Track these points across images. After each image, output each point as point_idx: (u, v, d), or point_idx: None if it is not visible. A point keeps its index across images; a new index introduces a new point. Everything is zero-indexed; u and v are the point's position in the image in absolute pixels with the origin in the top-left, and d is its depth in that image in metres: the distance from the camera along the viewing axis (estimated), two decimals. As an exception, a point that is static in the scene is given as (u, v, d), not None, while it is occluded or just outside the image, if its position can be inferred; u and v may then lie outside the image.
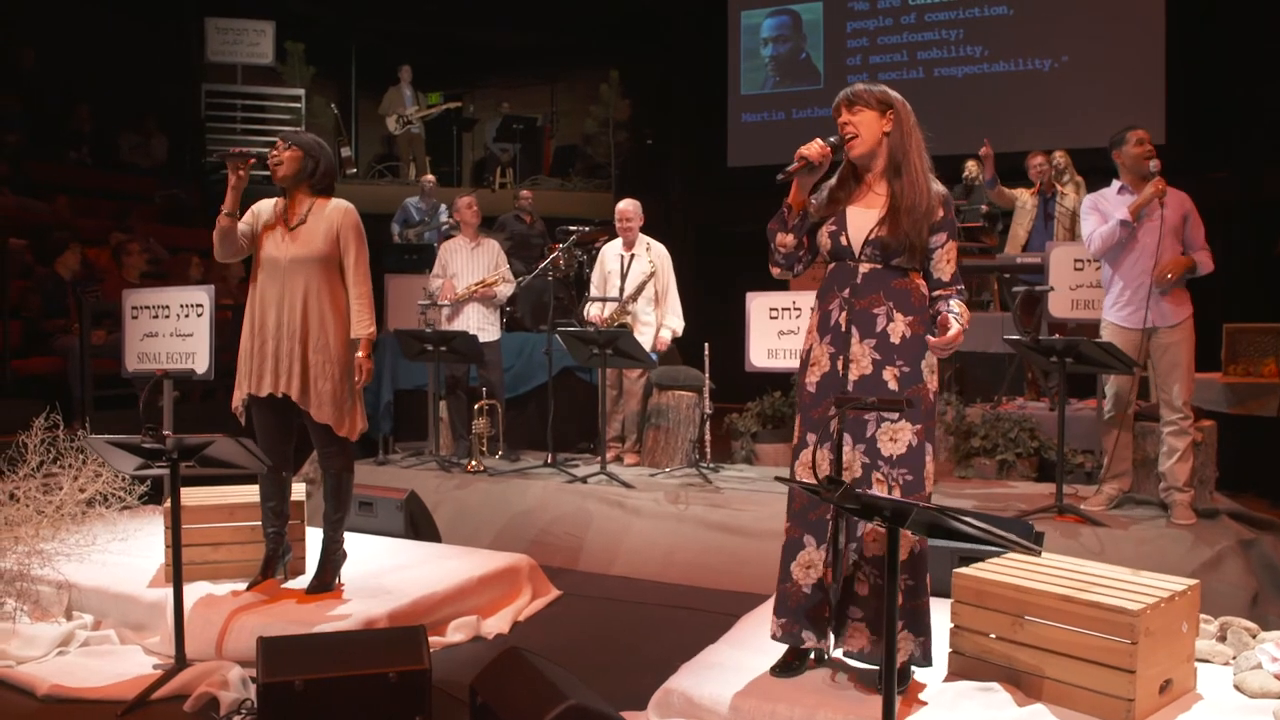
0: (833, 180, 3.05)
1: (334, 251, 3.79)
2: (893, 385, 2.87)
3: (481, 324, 6.24)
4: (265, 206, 3.91)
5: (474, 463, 5.89)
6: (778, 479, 2.37)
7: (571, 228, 6.60)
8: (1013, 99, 9.94)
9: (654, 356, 5.75)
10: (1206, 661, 3.13)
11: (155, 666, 3.46)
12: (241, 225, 3.84)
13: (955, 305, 2.90)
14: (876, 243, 2.90)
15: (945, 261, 2.94)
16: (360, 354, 3.76)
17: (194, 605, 3.62)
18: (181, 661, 3.34)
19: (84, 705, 3.22)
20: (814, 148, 2.91)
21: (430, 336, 5.89)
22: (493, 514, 5.46)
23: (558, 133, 12.73)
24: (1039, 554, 2.54)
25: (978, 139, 9.73)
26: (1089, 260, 5.99)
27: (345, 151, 10.85)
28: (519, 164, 11.42)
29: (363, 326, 3.78)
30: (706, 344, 5.90)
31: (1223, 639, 3.25)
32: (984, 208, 7.98)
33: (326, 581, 3.86)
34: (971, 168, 8.56)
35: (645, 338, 5.89)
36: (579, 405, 7.09)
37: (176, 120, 10.10)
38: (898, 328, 2.89)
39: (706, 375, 5.88)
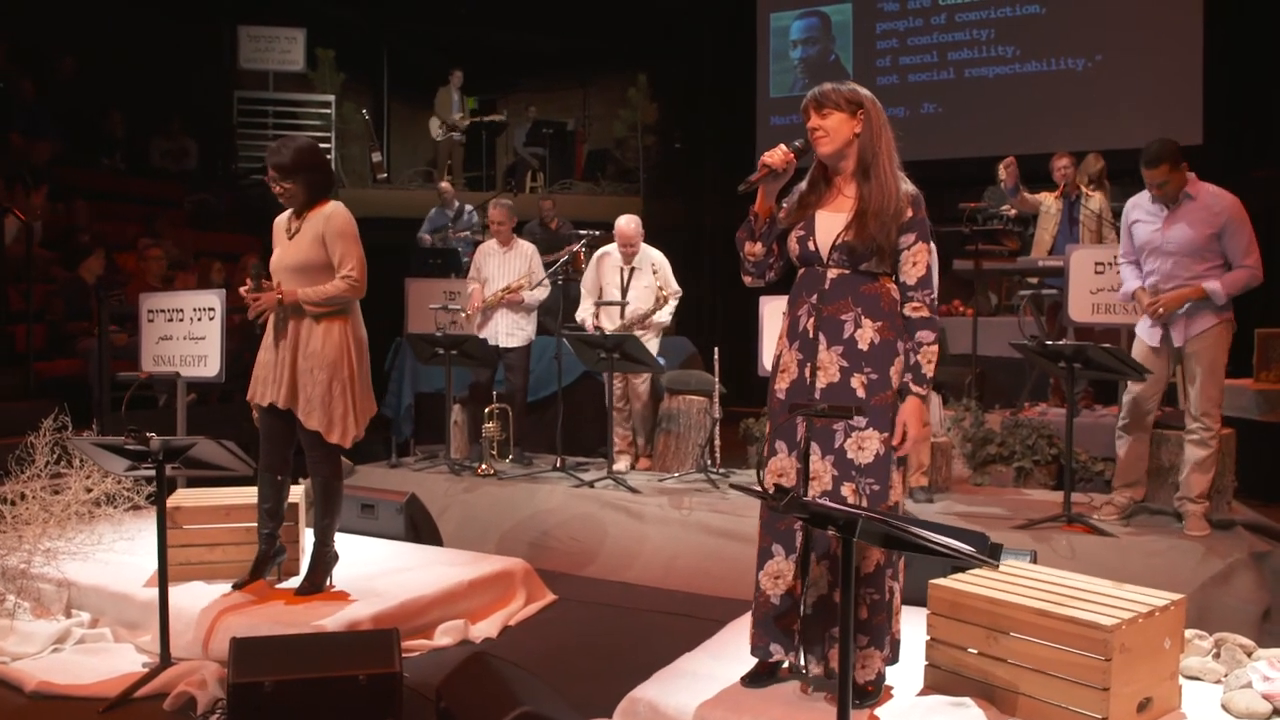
0: (803, 184, 3.00)
1: (322, 256, 3.77)
2: (861, 393, 2.81)
3: (510, 329, 6.18)
4: (279, 221, 3.96)
5: (484, 466, 5.91)
6: (733, 486, 2.33)
7: (581, 231, 6.59)
8: (1045, 99, 9.73)
9: (661, 361, 5.71)
10: (1197, 679, 3.02)
11: (144, 665, 3.51)
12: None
13: (919, 358, 2.82)
14: (844, 247, 2.84)
15: (911, 264, 2.86)
16: (279, 293, 3.69)
17: (183, 605, 3.66)
18: (166, 660, 3.39)
19: (69, 702, 3.27)
20: (777, 154, 2.85)
21: (441, 340, 5.92)
22: (498, 518, 5.47)
23: (590, 136, 12.75)
24: (996, 567, 2.48)
25: (1010, 140, 9.59)
26: (1110, 263, 5.85)
27: (376, 157, 10.96)
28: (549, 168, 11.45)
29: (311, 292, 3.70)
30: (716, 348, 5.86)
31: (1217, 656, 3.14)
32: (1011, 211, 7.83)
33: (317, 583, 3.89)
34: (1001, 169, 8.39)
35: (654, 345, 5.82)
36: (600, 409, 7.08)
37: (209, 127, 10.30)
38: (865, 334, 2.83)
39: (716, 379, 5.84)
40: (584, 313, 6.02)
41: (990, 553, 2.25)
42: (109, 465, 3.51)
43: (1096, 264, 5.88)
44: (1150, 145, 4.29)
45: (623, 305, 5.82)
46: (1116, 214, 7.50)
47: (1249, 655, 3.09)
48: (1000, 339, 7.25)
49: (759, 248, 2.96)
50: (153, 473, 3.33)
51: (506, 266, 6.23)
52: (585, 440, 6.89)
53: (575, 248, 6.52)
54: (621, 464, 5.86)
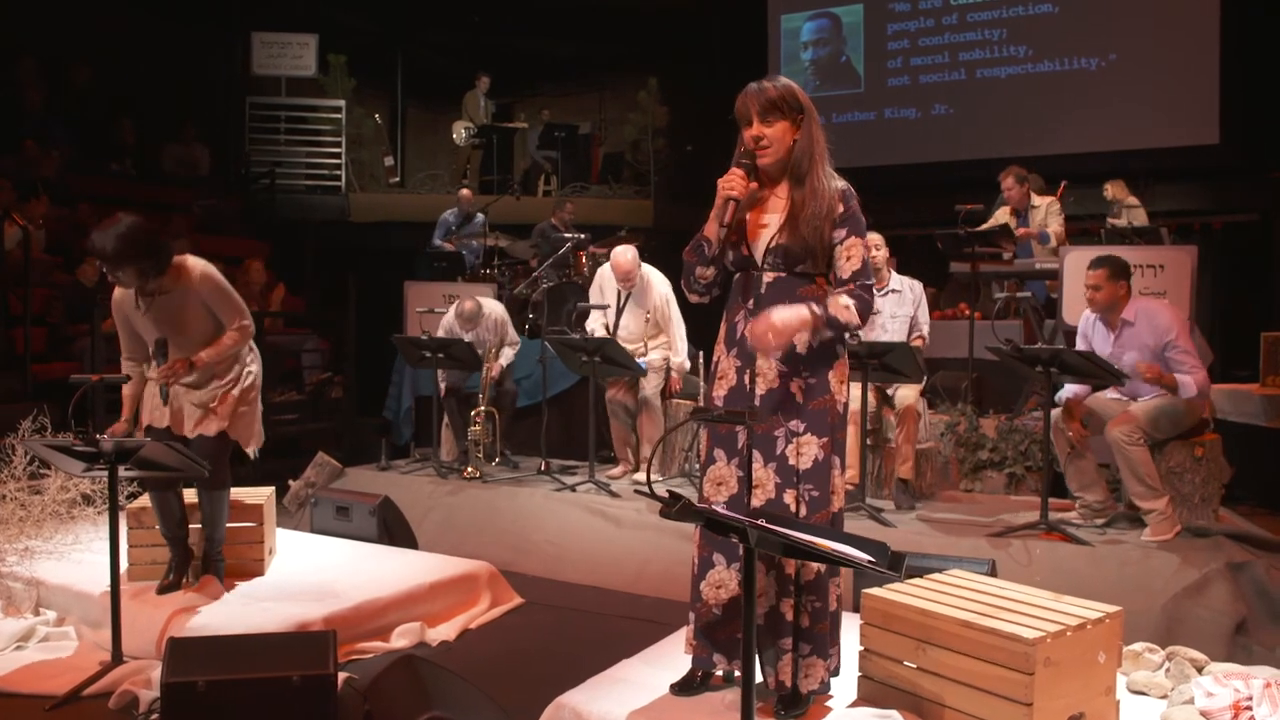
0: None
1: (202, 317, 3.76)
2: (799, 398, 2.77)
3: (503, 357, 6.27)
4: (125, 298, 3.80)
5: (470, 469, 5.91)
6: (637, 491, 2.31)
7: (567, 235, 6.58)
8: (1058, 100, 9.58)
9: (641, 364, 5.67)
10: (1143, 694, 2.94)
11: (101, 663, 3.55)
12: (126, 346, 3.91)
13: (840, 297, 2.74)
14: (778, 251, 2.79)
15: (845, 259, 2.79)
16: (178, 362, 3.68)
17: (140, 604, 3.72)
18: (118, 659, 3.44)
19: (19, 699, 3.32)
20: (738, 185, 2.76)
21: (429, 344, 5.94)
22: (479, 520, 5.48)
23: (606, 140, 12.76)
24: (899, 578, 2.43)
25: (1022, 141, 9.46)
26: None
27: (388, 161, 11.05)
28: (561, 171, 11.48)
29: (212, 353, 3.73)
30: (701, 352, 5.82)
31: (1168, 670, 3.05)
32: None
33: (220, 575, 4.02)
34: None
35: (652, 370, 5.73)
36: (602, 413, 7.04)
37: (221, 132, 10.45)
38: (803, 337, 2.79)
39: (702, 382, 5.80)
40: (594, 324, 6.00)
41: (891, 564, 2.21)
42: (65, 466, 3.56)
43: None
44: (1103, 256, 4.50)
45: (616, 320, 5.79)
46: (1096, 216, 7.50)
47: (1199, 670, 3.00)
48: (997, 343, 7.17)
49: (711, 272, 2.91)
50: (98, 473, 3.37)
51: (478, 341, 6.17)
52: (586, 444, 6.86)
53: (562, 251, 6.50)
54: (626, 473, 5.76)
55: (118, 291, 3.81)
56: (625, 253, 5.73)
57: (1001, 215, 7.18)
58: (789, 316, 2.66)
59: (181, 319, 3.72)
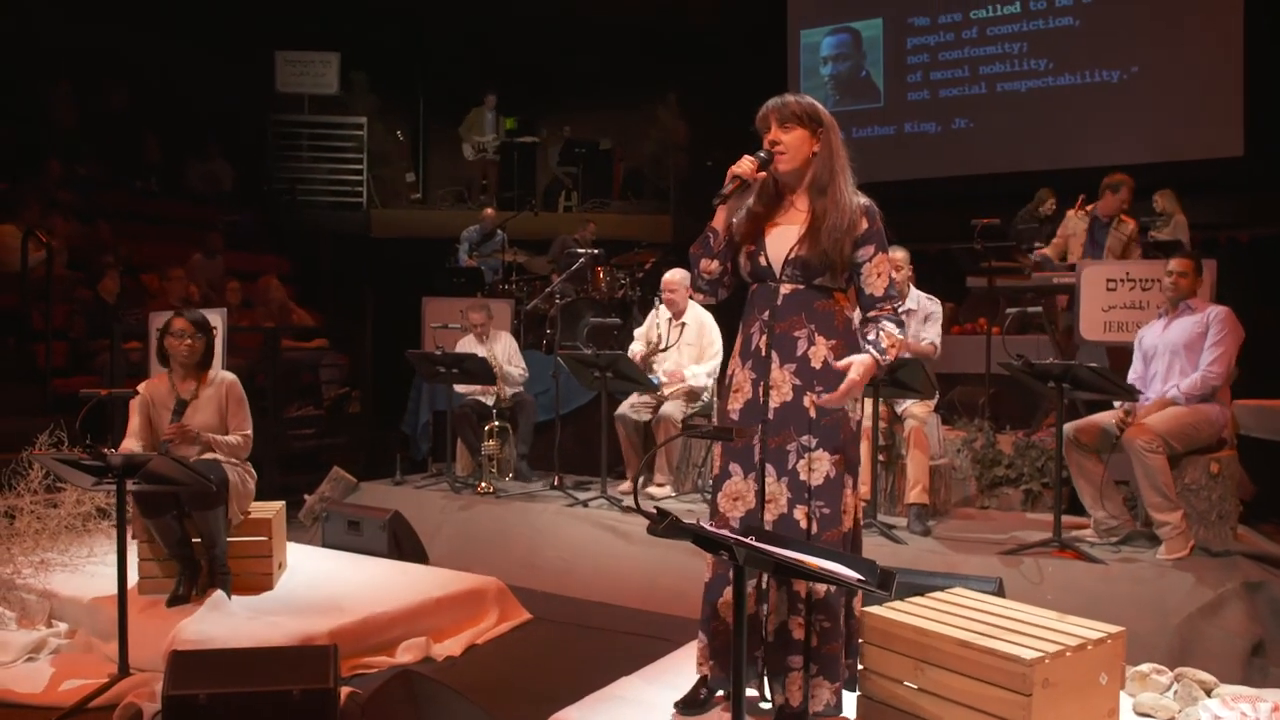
0: (750, 198, 2.95)
1: (221, 419, 4.23)
2: (811, 412, 2.76)
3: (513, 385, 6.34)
4: (157, 390, 4.22)
5: (483, 484, 5.92)
6: (625, 508, 2.30)
7: (580, 251, 6.60)
8: (1080, 113, 9.50)
9: (655, 380, 5.66)
10: (1149, 716, 2.89)
11: (109, 675, 3.58)
12: (136, 429, 4.19)
13: (883, 335, 2.79)
14: (797, 262, 2.79)
15: (875, 275, 2.81)
16: (190, 425, 4.07)
17: (148, 617, 3.75)
18: (124, 670, 3.46)
19: (27, 710, 3.36)
20: (745, 165, 2.80)
21: (443, 358, 5.97)
22: (490, 536, 5.48)
23: (627, 156, 12.81)
24: (889, 597, 2.40)
25: (1043, 154, 9.40)
26: (1122, 279, 5.69)
27: (409, 177, 11.15)
28: (581, 187, 11.54)
29: (219, 440, 4.13)
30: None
31: (1176, 692, 2.99)
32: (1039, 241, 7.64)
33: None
34: (1044, 194, 8.20)
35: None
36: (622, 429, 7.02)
37: (245, 150, 10.60)
38: (819, 352, 2.78)
39: (715, 399, 5.78)
40: (636, 346, 6.01)
41: (881, 582, 2.18)
42: (74, 480, 3.60)
43: (1109, 280, 5.72)
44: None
45: (661, 346, 5.80)
46: (1144, 229, 7.35)
47: (1208, 692, 2.94)
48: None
49: (716, 265, 2.93)
50: (108, 487, 3.42)
51: (490, 357, 6.20)
52: (611, 461, 6.85)
53: (577, 265, 6.53)
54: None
55: (146, 385, 4.27)
56: (676, 272, 5.76)
57: (1072, 222, 6.94)
58: (860, 369, 2.72)
59: (212, 417, 4.19)
